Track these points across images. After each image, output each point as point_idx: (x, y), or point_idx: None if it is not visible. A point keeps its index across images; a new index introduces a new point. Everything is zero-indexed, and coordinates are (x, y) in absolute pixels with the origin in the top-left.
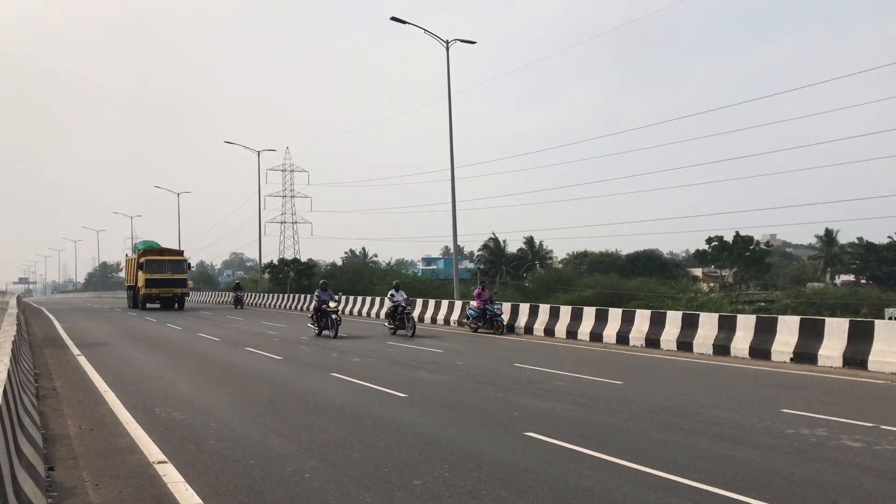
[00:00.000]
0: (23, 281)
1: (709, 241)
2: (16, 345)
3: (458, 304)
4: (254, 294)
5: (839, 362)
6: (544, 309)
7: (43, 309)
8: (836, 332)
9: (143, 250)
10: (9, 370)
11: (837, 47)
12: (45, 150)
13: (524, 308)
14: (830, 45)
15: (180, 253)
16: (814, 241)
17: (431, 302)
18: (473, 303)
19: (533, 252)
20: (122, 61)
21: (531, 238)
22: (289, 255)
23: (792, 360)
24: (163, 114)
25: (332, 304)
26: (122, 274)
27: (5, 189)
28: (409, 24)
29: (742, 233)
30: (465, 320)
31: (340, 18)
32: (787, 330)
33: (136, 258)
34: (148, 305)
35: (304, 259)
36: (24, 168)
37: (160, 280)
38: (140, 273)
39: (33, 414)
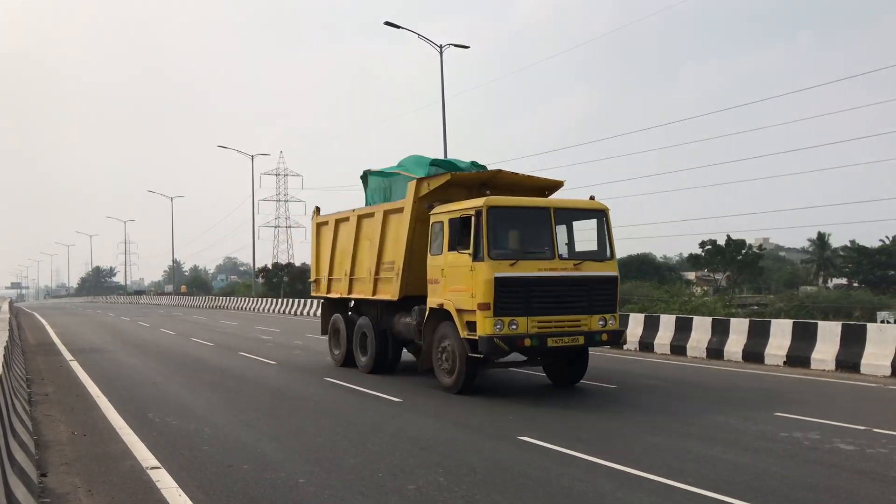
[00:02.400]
0: (15, 286)
1: (702, 245)
2: (8, 350)
3: None
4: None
5: (832, 365)
6: None
7: (35, 313)
8: (828, 335)
9: (454, 177)
10: (1, 376)
11: (826, 52)
12: (38, 154)
13: None
14: (818, 51)
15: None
16: (806, 244)
17: None
18: None
19: None
20: (116, 65)
21: None
22: (283, 260)
23: (785, 363)
24: (156, 118)
25: None
26: (117, 279)
27: None
28: (403, 28)
29: (736, 236)
30: None
31: (336, 24)
32: (781, 333)
33: (411, 207)
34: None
35: (298, 263)
36: (16, 172)
37: (556, 283)
38: (480, 268)
39: (25, 420)
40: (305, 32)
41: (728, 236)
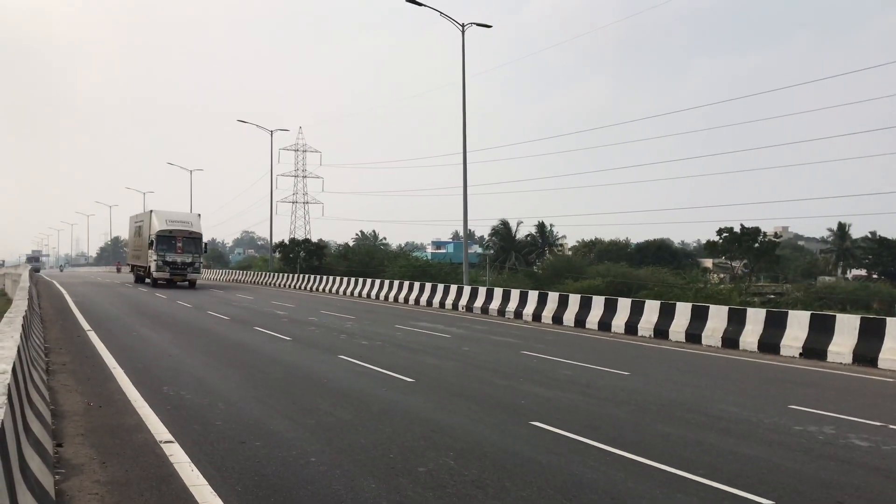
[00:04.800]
0: (35, 254)
1: (719, 232)
2: (27, 319)
3: (467, 289)
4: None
5: (849, 359)
6: (553, 297)
7: (54, 282)
8: (846, 328)
9: None
10: (19, 346)
11: (848, 42)
12: (62, 128)
13: (533, 295)
14: (842, 40)
15: None
16: (826, 234)
17: (440, 287)
18: None
19: (543, 238)
20: (140, 38)
21: (542, 224)
22: (300, 235)
23: (801, 355)
24: (178, 91)
25: None
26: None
27: (21, 163)
28: (425, 6)
29: (755, 224)
30: None
31: (360, 8)
32: (798, 325)
33: None
34: None
35: (314, 239)
36: (39, 143)
37: None
38: None
39: (42, 389)
40: (332, 18)
41: (742, 224)
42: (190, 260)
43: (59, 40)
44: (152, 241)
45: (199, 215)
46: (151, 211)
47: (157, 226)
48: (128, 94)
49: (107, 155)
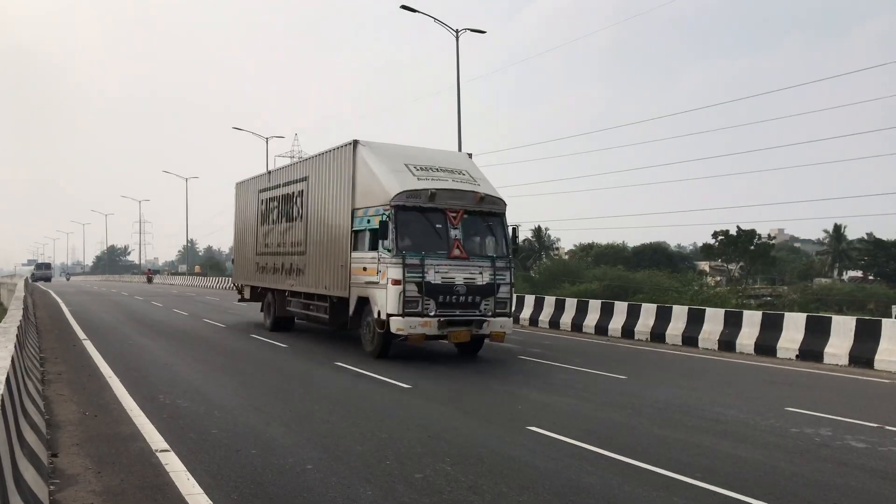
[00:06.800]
0: (31, 263)
1: (715, 235)
2: (21, 329)
3: None
4: None
5: (845, 360)
6: (550, 301)
7: (49, 290)
8: (842, 330)
9: None
10: (13, 357)
11: (841, 44)
12: (57, 135)
13: (529, 300)
14: (834, 42)
15: None
16: (822, 236)
17: None
18: None
19: (540, 242)
20: (135, 45)
21: (538, 228)
22: None
23: (797, 357)
24: (173, 99)
25: None
26: (131, 258)
27: (17, 171)
28: (419, 12)
29: (751, 227)
30: None
31: (355, 12)
32: (794, 327)
33: None
34: None
35: None
36: (35, 152)
37: None
38: None
39: (37, 399)
40: (325, 23)
41: (738, 227)
42: (487, 279)
43: (55, 49)
44: (385, 222)
45: (470, 155)
46: (356, 142)
47: (392, 183)
48: (125, 103)
49: (102, 164)
